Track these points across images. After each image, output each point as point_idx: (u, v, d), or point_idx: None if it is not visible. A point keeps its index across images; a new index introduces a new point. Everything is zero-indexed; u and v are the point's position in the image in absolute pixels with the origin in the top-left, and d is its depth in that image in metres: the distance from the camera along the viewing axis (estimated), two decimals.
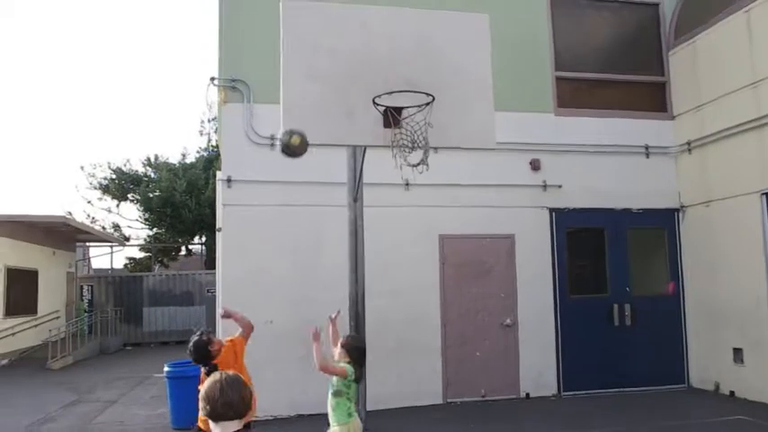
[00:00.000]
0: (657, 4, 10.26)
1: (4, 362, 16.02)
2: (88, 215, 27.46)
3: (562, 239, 9.53)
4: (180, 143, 53.35)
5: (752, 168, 8.53)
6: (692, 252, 9.68)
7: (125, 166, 27.26)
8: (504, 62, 7.56)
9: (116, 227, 27.83)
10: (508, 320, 9.21)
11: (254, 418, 4.46)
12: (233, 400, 2.39)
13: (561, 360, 9.30)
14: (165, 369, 8.38)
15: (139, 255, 28.83)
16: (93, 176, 27.18)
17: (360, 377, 4.64)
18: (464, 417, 8.24)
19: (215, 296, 10.06)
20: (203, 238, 26.67)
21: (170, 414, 8.33)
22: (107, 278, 22.96)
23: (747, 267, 8.56)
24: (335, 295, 7.13)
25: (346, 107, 5.60)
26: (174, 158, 27.98)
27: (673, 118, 9.98)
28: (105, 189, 27.14)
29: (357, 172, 6.97)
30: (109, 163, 27.15)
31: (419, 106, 5.55)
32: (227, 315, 5.23)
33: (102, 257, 42.77)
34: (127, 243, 27.34)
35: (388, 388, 8.35)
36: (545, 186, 9.50)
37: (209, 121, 26.78)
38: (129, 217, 29.66)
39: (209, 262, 23.57)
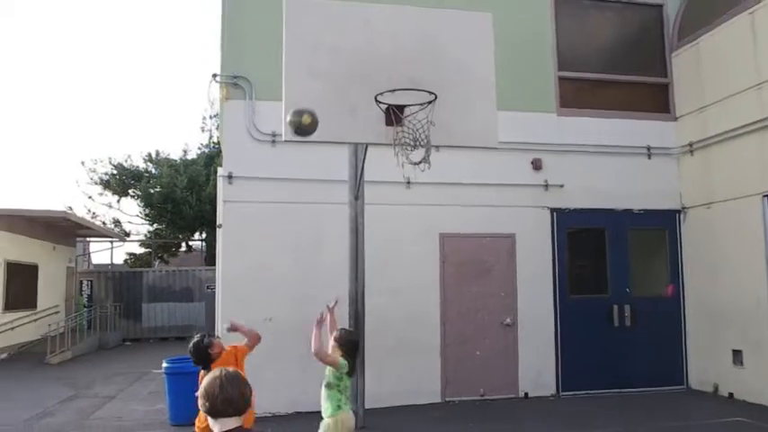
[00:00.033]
0: (661, 5, 10.24)
1: (3, 356, 16.02)
2: (89, 210, 27.42)
3: (563, 239, 9.52)
4: (181, 139, 53.32)
5: (754, 170, 8.51)
6: (693, 253, 9.67)
7: (126, 161, 27.22)
8: (507, 61, 7.54)
9: (116, 222, 27.81)
10: (508, 320, 9.20)
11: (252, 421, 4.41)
12: (233, 397, 2.38)
13: (560, 360, 9.30)
14: (164, 365, 8.37)
15: (139, 250, 28.83)
16: (94, 172, 27.14)
17: (352, 371, 4.66)
18: (462, 416, 8.23)
19: (215, 292, 10.05)
20: (203, 235, 26.64)
21: (168, 410, 8.32)
22: (107, 273, 22.95)
23: (748, 269, 8.54)
24: (336, 293, 7.07)
25: (348, 105, 5.59)
26: (176, 154, 27.99)
27: (675, 119, 9.97)
28: (106, 184, 27.09)
29: (358, 170, 6.97)
30: (110, 158, 27.11)
31: (421, 104, 5.54)
32: (233, 328, 5.14)
33: (103, 253, 42.68)
34: (127, 239, 27.34)
35: (387, 386, 8.35)
36: (546, 186, 9.49)
37: (210, 117, 26.72)
38: (130, 212, 29.75)
39: (209, 258, 23.54)
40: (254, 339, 5.03)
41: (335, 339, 4.69)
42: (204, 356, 4.68)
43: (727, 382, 8.88)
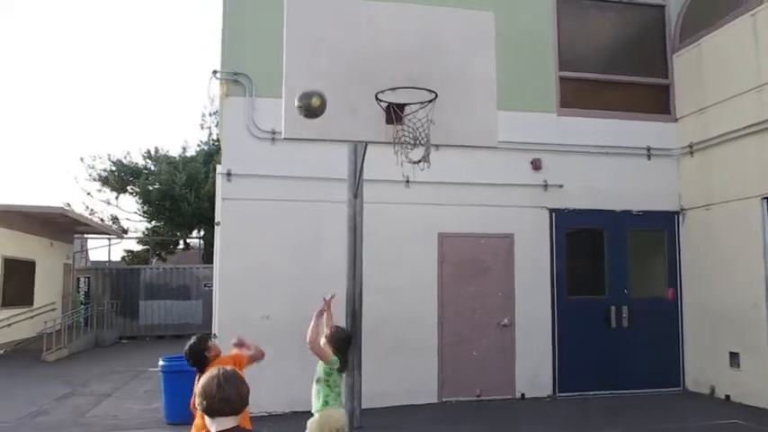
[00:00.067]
0: (663, 6, 10.23)
1: None
2: (87, 207, 27.40)
3: (561, 240, 9.50)
4: (180, 136, 53.27)
5: (753, 172, 8.50)
6: (692, 255, 9.66)
7: (125, 158, 27.19)
8: (508, 61, 7.51)
9: (115, 219, 27.79)
10: (505, 320, 9.18)
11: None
12: (230, 396, 2.36)
13: (557, 361, 9.28)
14: (160, 363, 8.34)
15: (137, 247, 28.79)
16: (92, 168, 27.10)
17: (343, 368, 4.65)
18: (459, 416, 8.21)
19: (212, 290, 10.03)
20: (202, 232, 26.62)
21: (164, 408, 8.29)
22: (104, 270, 22.89)
23: (746, 271, 8.53)
24: (334, 291, 7.07)
25: (349, 103, 5.55)
26: (175, 151, 27.99)
27: (675, 120, 9.95)
28: (105, 181, 27.05)
29: (358, 168, 6.94)
30: (109, 155, 27.08)
31: (422, 103, 5.51)
32: (240, 344, 5.07)
33: (100, 249, 42.63)
34: (125, 235, 27.30)
35: (384, 385, 8.33)
36: (546, 186, 9.47)
37: (210, 114, 26.68)
38: (128, 209, 29.59)
39: (207, 256, 23.53)
40: (259, 354, 4.93)
41: (326, 337, 4.72)
42: (201, 358, 4.63)
43: (724, 384, 8.87)
